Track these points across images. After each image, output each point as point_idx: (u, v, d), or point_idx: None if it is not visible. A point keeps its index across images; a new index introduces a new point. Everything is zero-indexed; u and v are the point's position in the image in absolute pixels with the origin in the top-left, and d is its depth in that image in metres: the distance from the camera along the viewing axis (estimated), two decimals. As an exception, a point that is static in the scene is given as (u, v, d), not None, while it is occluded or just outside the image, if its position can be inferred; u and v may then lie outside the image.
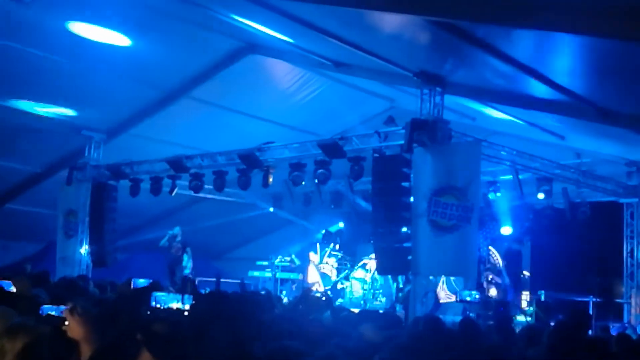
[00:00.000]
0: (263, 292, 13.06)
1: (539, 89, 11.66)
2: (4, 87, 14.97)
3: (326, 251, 20.51)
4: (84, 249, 18.13)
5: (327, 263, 20.50)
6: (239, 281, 18.50)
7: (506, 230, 18.51)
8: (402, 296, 16.94)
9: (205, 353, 3.94)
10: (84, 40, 13.42)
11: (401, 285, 17.76)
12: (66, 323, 4.28)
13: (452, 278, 15.99)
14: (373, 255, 18.27)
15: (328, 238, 21.37)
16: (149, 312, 5.72)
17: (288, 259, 20.33)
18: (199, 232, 20.15)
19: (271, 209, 21.37)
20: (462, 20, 9.19)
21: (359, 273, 18.74)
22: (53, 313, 5.01)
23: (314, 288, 18.84)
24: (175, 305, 6.61)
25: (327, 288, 19.53)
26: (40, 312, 5.17)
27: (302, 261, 20.71)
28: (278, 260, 20.06)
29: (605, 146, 15.73)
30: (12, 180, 19.02)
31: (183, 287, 13.30)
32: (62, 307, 4.66)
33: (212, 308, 4.39)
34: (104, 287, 11.86)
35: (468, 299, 13.68)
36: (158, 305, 6.53)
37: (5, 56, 13.74)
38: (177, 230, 19.50)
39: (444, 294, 16.42)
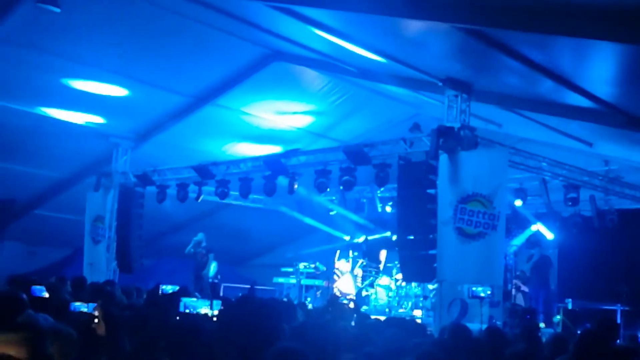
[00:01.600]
0: (285, 300, 13.09)
1: (568, 97, 11.57)
2: (33, 94, 15.18)
3: (357, 261, 20.43)
4: (111, 255, 18.29)
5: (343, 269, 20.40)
6: (249, 285, 18.61)
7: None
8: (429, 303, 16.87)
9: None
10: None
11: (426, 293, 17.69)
12: (95, 321, 4.31)
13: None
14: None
15: (353, 247, 21.30)
16: (177, 318, 5.75)
17: (313, 265, 20.31)
18: (225, 239, 20.23)
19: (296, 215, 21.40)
20: (490, 27, 9.16)
21: (383, 280, 18.68)
22: (85, 310, 5.04)
23: (349, 298, 18.77)
24: (204, 310, 6.64)
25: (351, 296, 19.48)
26: (72, 308, 5.20)
27: (327, 267, 20.68)
28: (303, 267, 20.06)
29: (634, 153, 15.55)
30: (40, 186, 19.26)
31: (212, 292, 13.36)
32: (93, 304, 4.69)
33: (240, 314, 4.40)
34: (130, 292, 11.96)
35: (482, 295, 13.53)
36: (187, 311, 6.56)
37: (34, 64, 13.96)
38: (200, 236, 19.60)
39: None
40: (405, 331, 6.82)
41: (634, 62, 9.41)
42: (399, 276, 17.40)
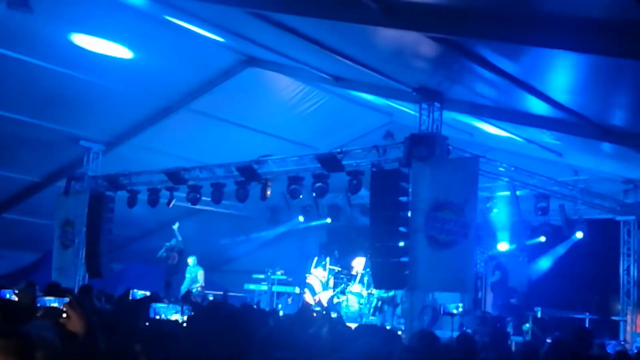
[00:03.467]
0: (255, 306, 13.05)
1: (538, 106, 11.70)
2: (4, 96, 14.98)
3: (323, 264, 20.43)
4: (80, 260, 18.09)
5: (314, 275, 20.43)
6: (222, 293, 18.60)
7: (503, 246, 18.52)
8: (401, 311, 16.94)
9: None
10: (86, 52, 13.48)
11: (398, 300, 17.77)
12: (64, 316, 4.24)
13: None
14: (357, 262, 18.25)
15: (324, 251, 21.33)
16: (147, 324, 5.70)
17: (281, 272, 20.29)
18: (196, 245, 20.12)
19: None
20: (462, 37, 9.24)
21: (355, 287, 18.69)
22: (55, 305, 4.97)
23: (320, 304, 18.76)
24: (174, 316, 6.58)
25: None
26: (38, 303, 5.12)
27: (296, 276, 20.65)
28: (279, 273, 20.04)
29: (603, 164, 15.76)
30: (10, 189, 19.01)
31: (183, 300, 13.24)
32: (64, 299, 4.62)
33: (210, 320, 4.38)
34: (99, 297, 11.86)
35: (454, 311, 13.62)
36: (157, 317, 6.50)
37: (5, 66, 13.79)
38: (173, 241, 19.47)
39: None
40: (377, 338, 6.82)
41: (602, 73, 9.55)
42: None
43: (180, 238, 19.42)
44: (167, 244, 19.39)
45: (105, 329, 4.24)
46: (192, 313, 6.43)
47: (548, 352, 5.76)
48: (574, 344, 6.61)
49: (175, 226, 19.50)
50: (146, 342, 3.73)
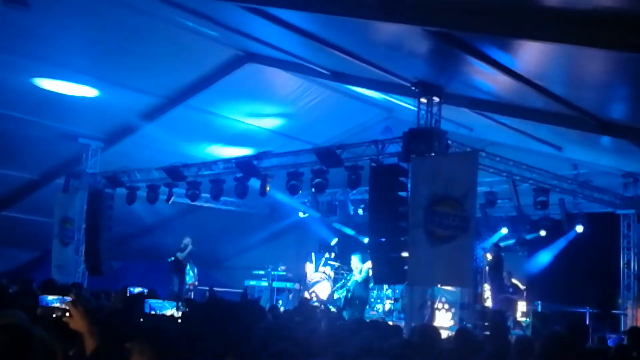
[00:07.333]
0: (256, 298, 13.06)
1: (538, 100, 11.67)
2: (2, 94, 14.95)
3: (321, 261, 20.43)
4: (80, 257, 18.08)
5: (323, 272, 20.42)
6: (242, 291, 18.59)
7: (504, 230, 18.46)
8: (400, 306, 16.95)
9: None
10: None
11: (397, 296, 17.78)
12: (67, 315, 4.21)
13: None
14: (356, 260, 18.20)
15: (324, 248, 21.31)
16: (141, 320, 5.68)
17: (283, 267, 20.30)
18: (196, 241, 20.11)
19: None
20: (460, 31, 9.21)
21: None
22: (58, 305, 4.95)
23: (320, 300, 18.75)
24: (169, 312, 6.58)
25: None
26: (43, 303, 5.09)
27: (295, 271, 20.64)
28: (280, 269, 20.05)
29: (602, 157, 15.74)
30: (9, 187, 19.00)
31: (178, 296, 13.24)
32: (66, 298, 4.58)
33: (205, 315, 4.36)
34: (97, 295, 11.83)
35: None
36: (152, 312, 6.49)
37: (3, 64, 13.77)
38: (188, 240, 19.54)
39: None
40: (377, 333, 6.81)
41: (601, 66, 9.53)
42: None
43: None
44: (188, 244, 19.40)
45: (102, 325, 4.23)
46: (187, 309, 6.42)
47: (543, 346, 5.71)
48: (569, 338, 6.57)
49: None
50: (142, 338, 3.71)
